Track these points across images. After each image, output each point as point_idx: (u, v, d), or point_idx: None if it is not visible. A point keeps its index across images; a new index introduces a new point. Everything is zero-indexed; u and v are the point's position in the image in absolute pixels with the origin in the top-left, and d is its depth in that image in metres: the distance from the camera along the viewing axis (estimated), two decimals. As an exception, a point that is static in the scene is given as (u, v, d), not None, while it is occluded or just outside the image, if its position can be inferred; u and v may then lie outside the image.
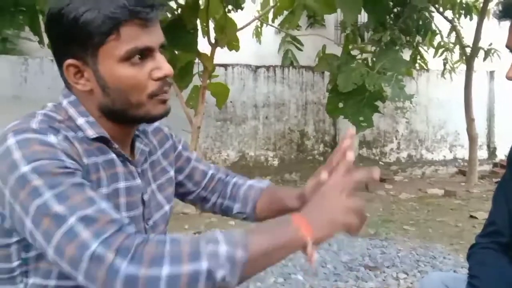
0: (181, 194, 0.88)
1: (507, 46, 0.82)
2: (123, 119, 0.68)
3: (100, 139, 0.66)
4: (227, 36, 3.86)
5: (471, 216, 3.41)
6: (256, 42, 4.58)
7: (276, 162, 5.36)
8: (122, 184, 0.68)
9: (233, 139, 5.17)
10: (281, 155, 5.38)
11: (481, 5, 4.82)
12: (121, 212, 0.67)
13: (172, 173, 0.82)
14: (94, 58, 0.63)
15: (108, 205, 0.57)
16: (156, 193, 0.76)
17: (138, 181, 0.71)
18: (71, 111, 0.66)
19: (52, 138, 0.59)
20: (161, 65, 0.65)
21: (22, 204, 0.55)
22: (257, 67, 5.24)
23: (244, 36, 4.35)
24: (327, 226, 0.60)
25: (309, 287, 2.04)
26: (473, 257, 0.96)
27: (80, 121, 0.65)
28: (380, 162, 5.80)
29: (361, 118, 4.21)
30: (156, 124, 0.82)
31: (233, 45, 4.04)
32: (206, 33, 3.82)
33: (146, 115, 0.67)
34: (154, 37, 0.65)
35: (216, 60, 3.98)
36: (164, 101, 0.67)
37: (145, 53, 0.64)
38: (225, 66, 5.05)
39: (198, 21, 3.69)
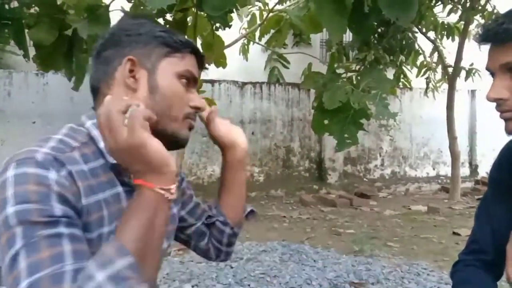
0: (180, 228, 0.88)
1: (487, 69, 0.85)
2: (153, 129, 0.68)
3: (117, 166, 0.66)
4: (214, 53, 3.89)
5: (454, 233, 3.45)
6: (243, 59, 4.62)
7: (262, 178, 5.36)
8: None
9: (219, 155, 5.14)
10: (267, 171, 5.39)
11: (463, 26, 4.97)
12: None
13: (175, 210, 0.83)
14: (155, 63, 0.71)
15: (77, 261, 0.56)
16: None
17: None
18: (94, 133, 0.67)
19: (52, 175, 0.58)
20: (199, 99, 0.75)
21: (1, 248, 0.56)
22: (244, 84, 5.28)
23: (231, 53, 4.39)
24: (138, 157, 0.60)
25: (294, 305, 2.03)
26: (457, 275, 0.97)
27: (103, 144, 0.66)
28: (365, 179, 5.85)
29: (346, 135, 4.24)
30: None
31: (221, 62, 4.07)
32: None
33: (174, 133, 0.72)
34: (198, 77, 0.77)
35: (203, 76, 4.00)
36: (191, 128, 0.74)
37: (191, 82, 0.74)
38: (212, 82, 5.07)
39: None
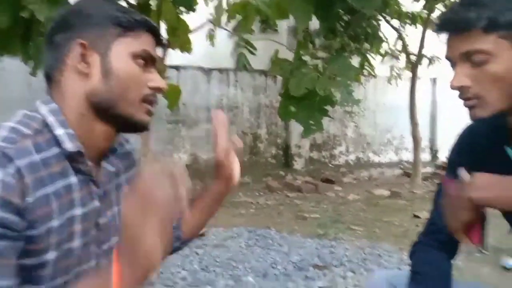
0: None
1: (447, 58, 0.86)
2: (108, 114, 0.68)
3: (74, 154, 0.64)
4: (179, 38, 3.82)
5: (415, 216, 3.58)
6: (209, 45, 4.56)
7: (229, 165, 5.37)
8: (78, 211, 0.66)
9: (185, 142, 5.12)
10: (234, 158, 5.40)
11: (426, 15, 5.09)
12: (76, 240, 0.65)
13: None
14: (108, 45, 0.67)
15: None
16: (117, 217, 0.75)
17: (96, 203, 0.70)
18: (50, 120, 0.65)
19: None
20: (159, 79, 0.72)
21: None
22: (210, 70, 5.23)
23: (197, 38, 4.33)
24: None
25: (260, 289, 2.05)
26: (415, 255, 1.01)
27: (59, 131, 0.64)
28: (330, 165, 5.96)
29: (311, 122, 4.30)
30: (129, 147, 0.83)
31: (186, 47, 4.00)
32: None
33: (131, 117, 0.69)
34: (157, 56, 0.74)
35: (168, 62, 3.92)
36: (149, 112, 0.71)
37: (149, 62, 0.71)
38: (177, 68, 4.99)
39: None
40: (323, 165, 5.94)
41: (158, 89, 0.72)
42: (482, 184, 0.71)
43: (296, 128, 5.16)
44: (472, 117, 0.85)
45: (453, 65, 0.84)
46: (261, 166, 5.53)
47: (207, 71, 5.23)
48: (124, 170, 0.79)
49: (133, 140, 0.89)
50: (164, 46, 3.77)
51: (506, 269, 2.31)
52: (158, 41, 0.74)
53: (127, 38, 0.69)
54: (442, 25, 0.84)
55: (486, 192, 0.72)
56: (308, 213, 3.79)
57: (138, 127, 0.71)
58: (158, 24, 3.67)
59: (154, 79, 0.71)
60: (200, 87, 5.20)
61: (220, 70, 5.29)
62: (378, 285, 0.98)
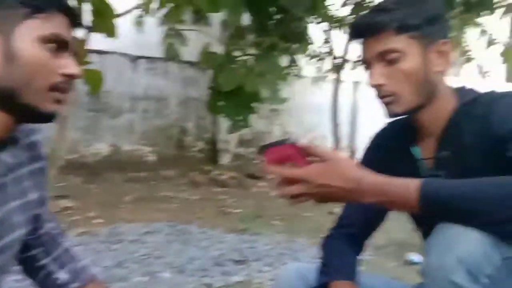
0: None
1: (363, 61, 0.92)
2: (9, 103, 0.61)
3: None
4: (103, 21, 3.61)
5: (330, 212, 3.74)
6: (137, 32, 4.37)
7: (153, 158, 5.21)
8: None
9: (106, 132, 4.88)
10: (159, 150, 5.25)
11: (352, 20, 5.32)
12: None
13: (35, 196, 0.74)
14: (12, 27, 0.62)
15: None
16: (12, 213, 0.68)
17: None
18: None
19: None
20: (72, 65, 0.66)
21: None
22: (137, 57, 5.02)
23: (124, 24, 4.13)
24: None
25: (175, 285, 2.01)
26: (324, 247, 1.06)
27: None
28: (256, 161, 6.03)
29: (239, 118, 4.32)
30: (34, 138, 0.75)
31: (110, 31, 3.78)
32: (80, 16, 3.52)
33: (35, 107, 0.63)
34: (72, 39, 0.68)
35: (90, 46, 3.70)
36: (59, 101, 0.66)
37: (62, 46, 0.65)
38: (100, 53, 4.73)
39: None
40: (250, 161, 5.99)
41: (70, 76, 0.66)
42: (367, 190, 0.73)
43: (224, 123, 5.14)
44: (388, 114, 0.91)
45: (368, 67, 0.91)
46: (187, 160, 5.44)
47: (134, 59, 5.02)
48: (28, 162, 0.73)
49: (46, 128, 0.82)
50: (84, 28, 3.55)
51: (410, 263, 2.49)
52: (74, 23, 0.68)
53: (35, 20, 0.63)
54: (357, 30, 0.91)
55: (371, 198, 0.73)
56: (231, 208, 3.80)
57: (43, 118, 0.65)
58: (80, 5, 3.45)
59: (67, 65, 0.66)
60: (125, 75, 4.98)
61: (148, 59, 5.11)
62: (288, 277, 1.01)
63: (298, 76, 5.89)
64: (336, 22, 5.53)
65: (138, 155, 5.12)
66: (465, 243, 0.65)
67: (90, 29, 3.61)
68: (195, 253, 2.46)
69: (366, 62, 0.91)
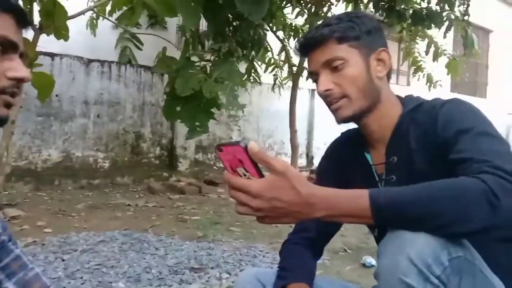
0: None
1: (310, 72, 0.98)
2: None
3: None
4: (54, 22, 3.47)
5: (289, 218, 3.78)
6: (90, 35, 4.24)
7: (107, 165, 5.05)
8: None
9: (56, 138, 4.67)
10: (113, 157, 5.09)
11: (308, 29, 5.44)
12: None
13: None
14: None
15: None
16: None
17: None
18: None
19: None
20: (20, 68, 0.63)
21: None
22: (90, 61, 4.87)
23: (77, 26, 4.00)
24: None
25: (131, 295, 1.95)
26: (283, 252, 1.07)
27: None
28: (215, 167, 5.99)
29: (197, 123, 4.28)
30: None
31: (62, 33, 3.65)
32: (29, 17, 3.37)
33: None
34: (21, 40, 0.64)
35: (41, 48, 3.54)
36: (8, 105, 0.63)
37: (8, 49, 0.61)
38: (52, 55, 4.55)
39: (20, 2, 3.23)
40: (208, 167, 5.95)
41: (19, 80, 0.63)
42: (318, 203, 0.71)
43: (181, 129, 5.07)
44: (338, 119, 0.96)
45: (314, 77, 0.99)
46: (143, 167, 5.32)
47: (87, 62, 4.86)
48: None
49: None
50: (34, 29, 3.39)
51: (365, 266, 2.55)
52: (22, 23, 0.64)
53: None
54: (303, 45, 0.98)
55: (323, 211, 0.71)
56: (189, 215, 3.75)
57: None
58: (31, 5, 3.30)
59: (14, 68, 0.62)
60: (78, 78, 4.81)
61: (102, 62, 4.96)
62: (246, 283, 1.00)
63: (257, 82, 5.93)
64: (292, 31, 5.63)
65: (91, 162, 4.94)
66: (416, 245, 0.67)
67: (41, 30, 3.46)
68: (151, 261, 2.39)
69: (314, 73, 0.98)
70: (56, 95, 4.57)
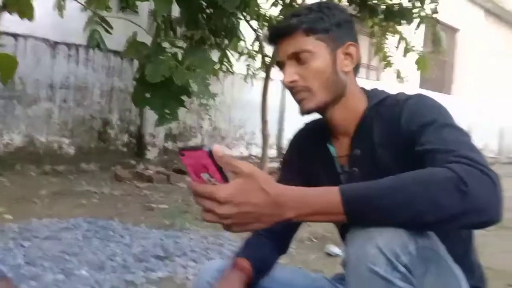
0: None
1: (277, 62, 0.98)
2: None
3: None
4: (19, 1, 3.32)
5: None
6: (57, 16, 4.08)
7: (72, 151, 4.91)
8: None
9: (19, 122, 4.50)
10: (79, 143, 4.96)
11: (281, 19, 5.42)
12: None
13: None
14: None
15: None
16: None
17: None
18: None
19: None
20: None
21: None
22: (57, 43, 4.70)
23: (43, 7, 3.84)
24: None
25: (94, 282, 1.91)
26: (245, 243, 1.07)
27: None
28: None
29: (167, 111, 4.21)
30: None
31: (26, 13, 3.49)
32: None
33: None
34: None
35: (3, 28, 3.39)
36: None
37: None
38: (15, 36, 4.36)
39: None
40: (177, 156, 5.89)
41: None
42: (289, 202, 0.69)
43: (151, 116, 4.99)
44: (302, 110, 0.96)
45: (281, 67, 0.99)
46: (110, 154, 5.21)
47: (53, 44, 4.69)
48: None
49: None
50: (-3, 7, 3.24)
51: (330, 255, 2.60)
52: None
53: None
54: (272, 35, 0.98)
55: (294, 211, 0.69)
56: (157, 204, 3.70)
57: None
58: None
59: None
60: (43, 61, 4.64)
61: (69, 45, 4.80)
62: (207, 276, 1.00)
63: (229, 72, 5.89)
64: (266, 21, 5.61)
65: (55, 148, 4.80)
66: (384, 234, 0.67)
67: (3, 8, 3.31)
68: (116, 249, 2.36)
69: (280, 63, 0.98)
70: (20, 78, 4.40)
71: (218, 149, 0.68)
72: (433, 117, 0.84)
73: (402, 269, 0.67)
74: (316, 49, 0.92)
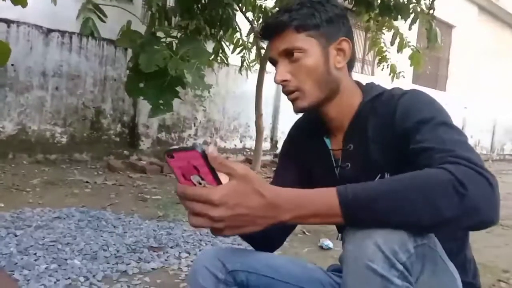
0: None
1: (270, 59, 0.97)
2: None
3: None
4: (11, -14, 3.26)
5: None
6: (50, 3, 4.02)
7: (64, 140, 4.87)
8: None
9: (11, 109, 4.45)
10: (72, 132, 4.92)
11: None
12: None
13: None
14: None
15: None
16: None
17: None
18: None
19: None
20: None
21: None
22: (50, 30, 4.63)
23: (36, -8, 3.78)
24: None
25: (87, 272, 1.91)
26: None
27: None
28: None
29: (161, 102, 4.18)
30: None
31: (19, -1, 3.44)
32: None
33: None
34: None
35: (-5, 13, 3.34)
36: None
37: None
38: (8, 22, 4.29)
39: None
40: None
41: None
42: (285, 203, 0.68)
43: (145, 106, 4.96)
44: (295, 109, 0.96)
45: (275, 64, 0.96)
46: (103, 144, 5.17)
47: (46, 32, 4.62)
48: None
49: None
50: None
51: (323, 249, 2.62)
52: None
53: None
54: (264, 31, 0.98)
55: (291, 213, 0.68)
56: (150, 195, 3.70)
57: None
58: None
59: None
60: (36, 48, 4.57)
61: (62, 33, 4.73)
62: (206, 262, 0.99)
63: (224, 63, 5.86)
64: (261, 12, 5.57)
65: (48, 136, 4.75)
66: (383, 231, 0.66)
67: (-5, -7, 3.25)
68: (109, 239, 2.35)
69: (273, 60, 0.96)
70: (12, 65, 4.34)
71: (214, 149, 0.66)
72: (429, 114, 0.82)
73: (400, 267, 0.66)
74: (307, 46, 0.90)
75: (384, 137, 0.88)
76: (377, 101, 0.94)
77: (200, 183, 0.67)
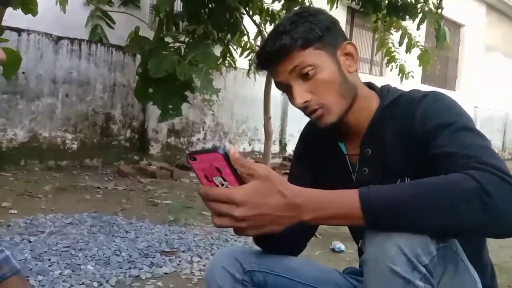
0: None
1: (280, 86, 0.94)
2: None
3: None
4: (21, -5, 3.31)
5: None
6: (60, 11, 4.07)
7: (75, 146, 4.91)
8: None
9: (23, 117, 4.50)
10: (82, 138, 4.96)
11: (284, 15, 5.40)
12: None
13: None
14: None
15: None
16: None
17: None
18: None
19: None
20: None
21: None
22: (60, 38, 4.69)
23: (46, 1, 3.82)
24: None
25: (101, 277, 1.92)
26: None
27: None
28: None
29: (170, 106, 4.21)
30: None
31: (29, 7, 3.48)
32: (-7, -13, 3.20)
33: None
34: None
35: (7, 22, 3.38)
36: None
37: None
38: (18, 31, 4.35)
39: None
40: (180, 152, 5.88)
41: None
42: (306, 204, 0.68)
43: (154, 111, 4.98)
44: (323, 126, 0.93)
45: (288, 89, 0.92)
46: (113, 149, 5.21)
47: (55, 39, 4.68)
48: None
49: None
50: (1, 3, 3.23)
51: (335, 251, 2.60)
52: None
53: None
54: (265, 59, 0.92)
55: (312, 213, 0.68)
56: (160, 199, 3.71)
57: None
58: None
59: None
60: (46, 56, 4.62)
61: (71, 40, 4.79)
62: (223, 261, 0.98)
63: (232, 67, 5.87)
64: (269, 16, 5.58)
65: (59, 143, 4.79)
66: (405, 233, 0.66)
67: (7, 3, 3.29)
68: (121, 244, 2.36)
69: (283, 85, 0.92)
70: (23, 73, 4.39)
71: (235, 150, 0.66)
72: (451, 118, 0.80)
73: (423, 269, 0.66)
74: (317, 60, 0.88)
75: (404, 141, 0.86)
76: (395, 104, 0.91)
77: (222, 184, 0.68)
